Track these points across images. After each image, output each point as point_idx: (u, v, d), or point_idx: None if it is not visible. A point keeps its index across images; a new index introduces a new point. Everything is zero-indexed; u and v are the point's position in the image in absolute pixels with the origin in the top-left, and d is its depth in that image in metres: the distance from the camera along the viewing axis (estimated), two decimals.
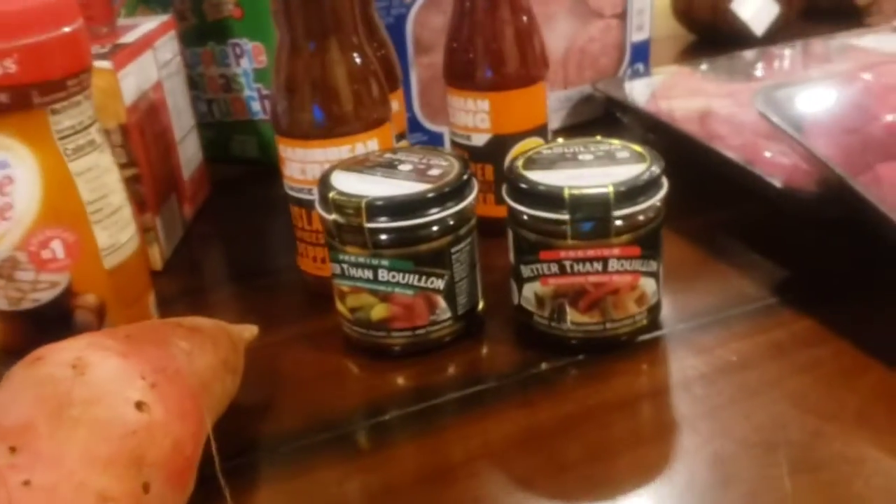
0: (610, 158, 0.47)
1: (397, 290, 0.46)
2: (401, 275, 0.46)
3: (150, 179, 0.60)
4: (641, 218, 0.45)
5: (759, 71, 0.79)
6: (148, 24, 0.65)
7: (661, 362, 0.46)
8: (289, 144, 0.52)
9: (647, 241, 0.45)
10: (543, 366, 0.46)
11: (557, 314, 0.46)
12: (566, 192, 0.43)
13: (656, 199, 0.45)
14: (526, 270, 0.46)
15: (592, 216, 0.44)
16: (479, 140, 0.59)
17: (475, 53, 0.58)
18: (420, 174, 0.47)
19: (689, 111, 0.70)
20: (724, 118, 0.65)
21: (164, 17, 0.68)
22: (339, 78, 0.51)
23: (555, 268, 0.45)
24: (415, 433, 0.43)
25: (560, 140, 0.50)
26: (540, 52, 0.59)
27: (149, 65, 0.62)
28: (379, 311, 0.47)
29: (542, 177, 0.45)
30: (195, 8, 0.75)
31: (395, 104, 0.60)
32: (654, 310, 0.47)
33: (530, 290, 0.47)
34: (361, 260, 0.46)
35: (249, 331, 0.46)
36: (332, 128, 0.51)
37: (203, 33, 0.76)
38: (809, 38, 0.86)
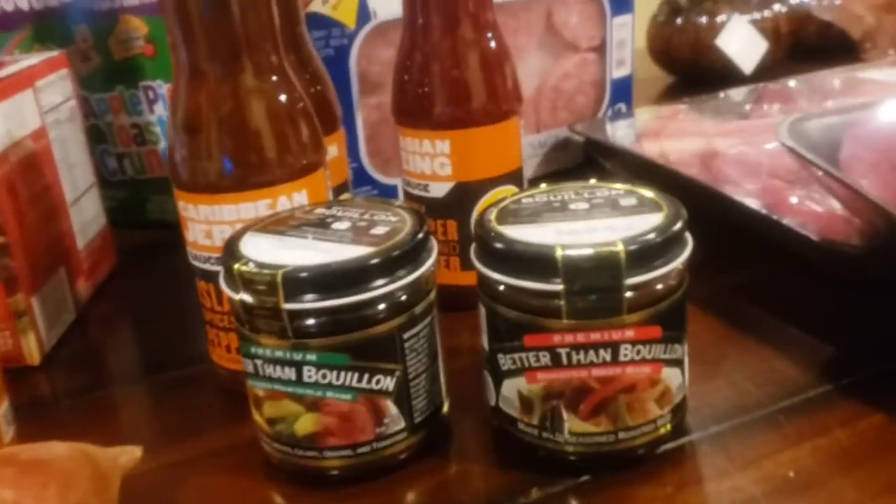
0: (612, 207, 0.35)
1: (329, 394, 0.34)
2: (334, 373, 0.34)
3: (23, 250, 0.47)
4: (660, 287, 0.33)
5: (762, 109, 0.69)
6: (28, 60, 0.53)
7: (694, 483, 0.34)
8: (190, 200, 0.40)
9: (669, 319, 0.33)
10: (534, 493, 0.34)
11: (551, 421, 0.34)
12: (558, 254, 0.32)
13: (679, 262, 0.33)
14: (505, 361, 0.34)
15: (596, 286, 0.32)
16: (440, 190, 0.48)
17: (431, 83, 0.47)
18: (360, 234, 0.35)
19: (686, 153, 0.60)
20: (734, 159, 0.55)
21: (51, 53, 0.56)
22: (255, 111, 0.39)
23: (545, 357, 0.33)
24: None
25: (543, 185, 0.39)
26: (512, 80, 0.48)
27: (27, 107, 0.50)
28: (305, 424, 0.35)
29: (524, 233, 0.34)
30: (99, 45, 0.64)
31: (334, 149, 0.49)
32: (680, 410, 0.35)
33: (512, 388, 0.35)
34: (280, 354, 0.34)
35: (128, 455, 0.34)
36: (246, 177, 0.39)
37: (110, 75, 0.65)
38: (803, 74, 0.76)
